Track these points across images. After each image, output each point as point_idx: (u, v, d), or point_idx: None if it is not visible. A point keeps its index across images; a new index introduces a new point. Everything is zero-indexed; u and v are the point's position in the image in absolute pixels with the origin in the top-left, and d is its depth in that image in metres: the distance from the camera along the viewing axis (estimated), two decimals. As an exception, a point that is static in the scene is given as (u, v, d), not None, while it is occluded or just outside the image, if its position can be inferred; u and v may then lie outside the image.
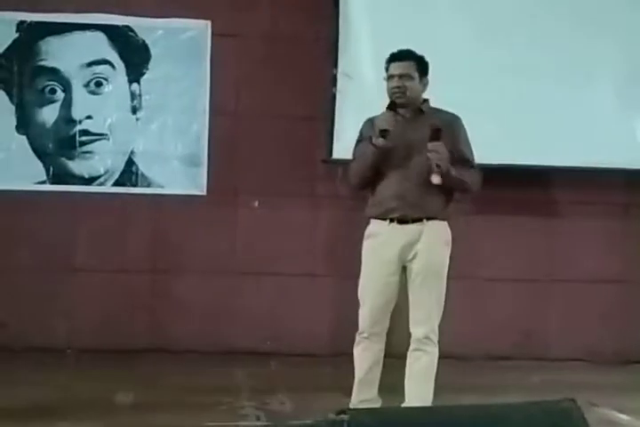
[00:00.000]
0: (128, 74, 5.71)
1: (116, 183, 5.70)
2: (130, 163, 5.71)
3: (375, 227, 3.86)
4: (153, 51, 5.70)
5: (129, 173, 5.71)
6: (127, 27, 5.69)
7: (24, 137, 5.66)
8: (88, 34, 5.66)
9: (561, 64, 5.64)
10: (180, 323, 5.67)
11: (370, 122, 3.91)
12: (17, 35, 5.63)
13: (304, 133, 5.72)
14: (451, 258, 5.70)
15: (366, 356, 3.86)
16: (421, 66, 3.87)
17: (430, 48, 5.49)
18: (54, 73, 5.66)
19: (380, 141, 3.73)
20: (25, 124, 5.66)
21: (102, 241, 5.71)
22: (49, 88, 5.67)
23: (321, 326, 5.67)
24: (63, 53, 5.66)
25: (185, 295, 5.71)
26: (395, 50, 3.90)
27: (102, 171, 5.71)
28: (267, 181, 5.74)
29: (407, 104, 3.82)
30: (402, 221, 3.77)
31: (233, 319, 5.68)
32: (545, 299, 5.91)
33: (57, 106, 5.66)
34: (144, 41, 5.70)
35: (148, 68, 5.71)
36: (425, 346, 3.79)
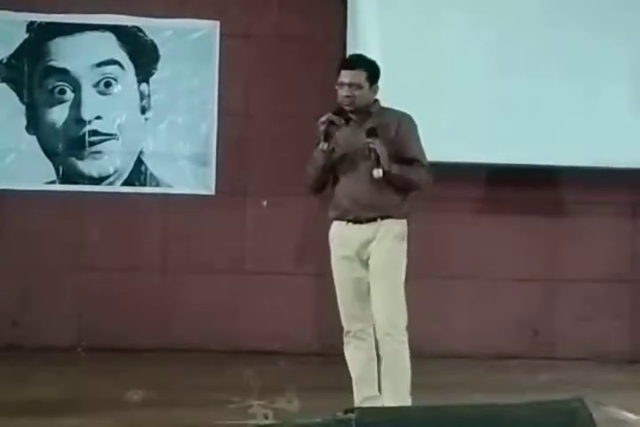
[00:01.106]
0: (137, 74, 5.73)
1: (125, 183, 5.73)
2: (139, 163, 5.74)
3: (334, 228, 3.92)
4: (162, 51, 5.73)
5: (138, 173, 5.74)
6: (136, 27, 5.71)
7: (34, 137, 5.69)
8: (97, 34, 5.69)
9: (572, 65, 5.64)
10: (188, 322, 5.69)
11: None
12: (27, 35, 5.66)
13: (313, 133, 5.71)
14: (459, 257, 5.77)
15: (357, 354, 3.86)
16: (372, 73, 3.86)
17: (440, 49, 5.58)
18: (64, 73, 5.69)
19: (322, 145, 3.81)
20: (35, 124, 5.69)
21: (111, 240, 5.73)
22: (58, 88, 5.70)
23: (329, 325, 5.65)
24: (73, 54, 5.69)
25: (194, 294, 5.73)
26: (347, 56, 4.01)
27: (111, 170, 5.73)
28: (275, 180, 5.76)
29: (355, 111, 3.85)
30: (357, 222, 3.83)
31: (241, 318, 5.70)
32: (554, 298, 5.91)
33: (66, 106, 5.69)
34: (153, 41, 5.72)
35: (156, 69, 5.73)
36: (386, 344, 3.76)
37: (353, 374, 3.88)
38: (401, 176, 3.77)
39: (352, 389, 3.90)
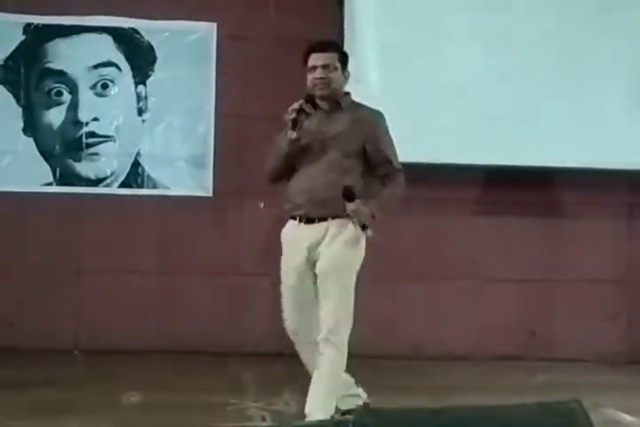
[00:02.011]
0: (134, 76, 5.73)
1: (123, 185, 5.72)
2: (136, 164, 5.73)
3: (287, 229, 3.82)
4: (159, 53, 5.73)
5: (135, 175, 5.73)
6: (133, 29, 5.71)
7: (31, 139, 5.69)
8: (94, 36, 5.69)
9: (572, 65, 5.64)
10: (185, 324, 5.69)
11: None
12: (24, 37, 5.66)
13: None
14: (456, 259, 5.77)
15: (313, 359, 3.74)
16: (344, 58, 3.74)
17: (437, 50, 5.58)
18: (61, 75, 5.68)
19: (289, 133, 3.66)
20: (32, 126, 5.69)
21: (108, 242, 5.73)
22: (55, 90, 5.69)
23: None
24: (70, 56, 5.68)
25: (191, 296, 5.73)
26: (315, 41, 3.79)
27: (108, 172, 5.73)
28: (272, 182, 5.75)
29: (329, 96, 3.70)
30: (308, 219, 3.70)
31: (238, 320, 5.70)
32: (550, 299, 5.91)
33: (63, 108, 5.69)
34: (150, 43, 5.72)
35: (153, 70, 5.73)
36: (323, 349, 3.65)
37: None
38: (386, 208, 3.66)
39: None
